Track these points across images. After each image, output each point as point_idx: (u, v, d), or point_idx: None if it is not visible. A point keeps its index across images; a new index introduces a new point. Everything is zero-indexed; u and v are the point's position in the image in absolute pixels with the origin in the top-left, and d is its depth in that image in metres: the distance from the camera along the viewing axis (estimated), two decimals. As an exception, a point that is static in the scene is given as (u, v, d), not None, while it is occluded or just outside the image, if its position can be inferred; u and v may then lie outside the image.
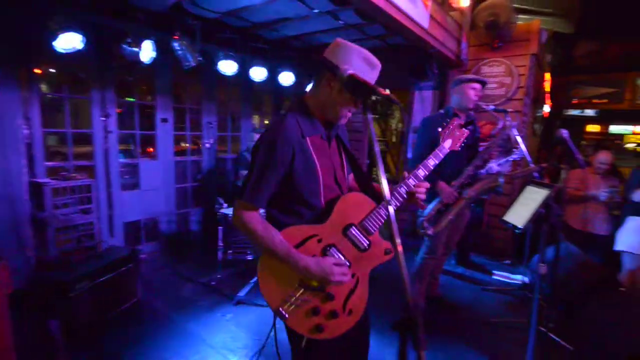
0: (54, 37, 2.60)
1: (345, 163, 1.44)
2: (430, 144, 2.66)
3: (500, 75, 4.29)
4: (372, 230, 1.32)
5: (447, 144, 1.48)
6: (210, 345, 2.52)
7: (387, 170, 6.63)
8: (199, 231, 4.74)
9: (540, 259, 1.97)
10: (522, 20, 4.35)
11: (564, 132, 2.29)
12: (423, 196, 1.39)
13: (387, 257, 1.36)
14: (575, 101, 8.02)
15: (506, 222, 1.89)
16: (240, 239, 3.46)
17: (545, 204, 1.68)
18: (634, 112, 7.78)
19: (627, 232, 3.14)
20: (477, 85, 2.69)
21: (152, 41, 3.06)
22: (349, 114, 1.32)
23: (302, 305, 1.25)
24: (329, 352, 1.36)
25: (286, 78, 4.48)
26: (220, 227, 3.45)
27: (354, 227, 1.31)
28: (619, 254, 3.19)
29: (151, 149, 4.32)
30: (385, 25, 3.13)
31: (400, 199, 1.37)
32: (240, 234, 3.45)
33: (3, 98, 2.80)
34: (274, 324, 1.42)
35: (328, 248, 1.27)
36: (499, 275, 3.89)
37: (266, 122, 5.82)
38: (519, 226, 1.73)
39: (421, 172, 1.40)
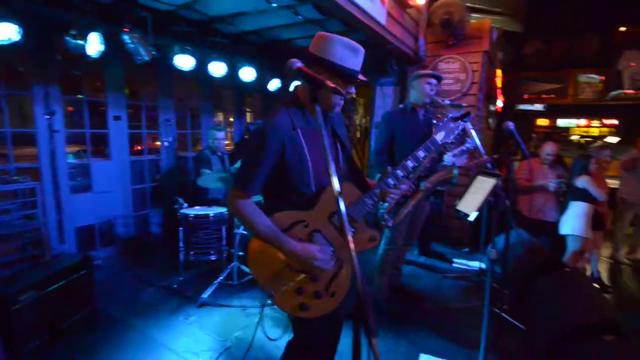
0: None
1: (340, 155, 1.49)
2: (390, 137, 2.75)
3: (455, 71, 4.47)
4: (357, 218, 1.41)
5: (440, 136, 1.53)
6: (172, 350, 2.44)
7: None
8: (159, 233, 4.56)
9: (491, 244, 2.08)
10: (474, 19, 4.55)
11: (510, 124, 2.42)
12: (394, 197, 1.47)
13: (372, 244, 1.47)
14: (526, 96, 8.54)
15: (459, 211, 1.98)
16: (202, 240, 3.36)
17: (494, 193, 1.79)
18: (577, 106, 8.43)
19: (570, 216, 3.39)
20: (433, 80, 2.79)
21: (99, 34, 2.87)
22: (341, 102, 1.38)
23: (289, 285, 1.34)
24: (321, 325, 1.45)
25: (247, 73, 4.40)
26: (180, 228, 3.34)
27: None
28: (564, 237, 3.45)
29: (104, 149, 4.09)
30: (343, 21, 3.15)
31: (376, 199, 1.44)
32: (201, 234, 3.35)
33: None
34: (262, 315, 1.46)
35: (314, 233, 1.36)
36: (459, 263, 4.08)
37: (230, 119, 5.69)
38: (470, 214, 1.82)
39: (410, 164, 1.48)
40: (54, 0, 2.85)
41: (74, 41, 2.80)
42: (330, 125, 1.46)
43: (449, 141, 1.56)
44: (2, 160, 3.22)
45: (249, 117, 6.00)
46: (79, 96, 3.71)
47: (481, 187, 1.89)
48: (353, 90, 1.40)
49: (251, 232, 1.32)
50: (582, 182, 3.33)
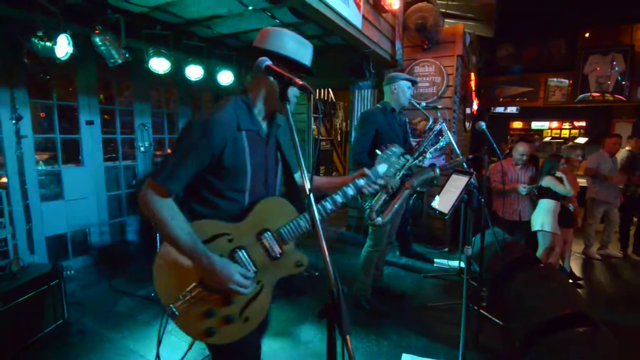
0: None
1: (277, 168, 1.38)
2: (373, 136, 2.75)
3: (431, 74, 4.57)
4: (287, 239, 1.27)
5: (381, 169, 1.46)
6: (148, 360, 2.36)
7: (334, 169, 6.74)
8: (136, 241, 4.42)
9: (466, 242, 2.12)
10: (448, 24, 4.68)
11: (482, 124, 2.49)
12: (369, 189, 1.41)
13: (299, 269, 1.32)
14: (501, 99, 8.81)
15: (434, 209, 2.01)
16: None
17: (467, 190, 1.83)
18: (548, 109, 8.77)
19: (538, 214, 3.52)
20: (410, 84, 2.85)
21: (67, 35, 2.78)
22: (294, 99, 1.26)
23: (196, 305, 1.18)
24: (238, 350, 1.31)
25: (225, 77, 4.36)
26: (158, 235, 3.25)
27: (269, 233, 1.26)
28: (536, 234, 3.56)
29: (77, 155, 3.95)
30: (320, 24, 3.17)
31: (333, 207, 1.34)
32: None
33: None
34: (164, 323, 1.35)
35: (237, 250, 1.21)
36: (439, 263, 4.14)
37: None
38: (445, 212, 1.85)
39: (339, 199, 1.35)
40: (17, 2, 2.75)
41: (41, 43, 2.70)
42: (275, 133, 1.35)
43: (389, 174, 1.49)
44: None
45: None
46: (49, 102, 3.57)
47: (455, 185, 1.93)
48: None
49: (164, 236, 1.14)
50: (546, 181, 3.47)
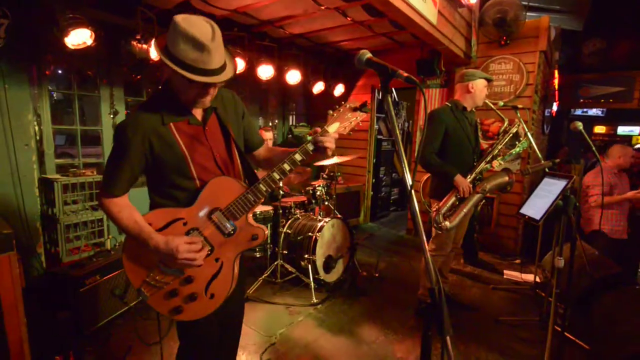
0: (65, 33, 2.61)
1: (234, 144, 1.40)
2: (443, 135, 2.63)
3: (508, 72, 4.26)
4: (238, 215, 1.30)
5: (332, 128, 1.35)
6: (219, 341, 2.50)
7: (394, 170, 6.59)
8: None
9: (557, 252, 1.93)
10: (529, 17, 4.31)
11: (579, 124, 2.24)
12: (331, 145, 1.32)
13: (255, 243, 1.34)
14: (582, 101, 7.95)
15: (523, 215, 1.86)
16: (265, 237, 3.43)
17: (563, 196, 1.66)
18: (642, 111, 7.71)
19: None
20: (486, 82, 2.68)
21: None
22: (211, 93, 1.24)
23: (163, 287, 1.27)
24: (202, 332, 1.39)
25: (293, 76, 4.47)
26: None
27: (220, 211, 1.30)
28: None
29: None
30: (395, 21, 3.11)
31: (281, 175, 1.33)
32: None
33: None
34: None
35: (192, 231, 1.27)
36: (510, 275, 3.84)
37: (273, 121, 5.81)
38: (537, 218, 1.70)
39: (276, 175, 1.33)
40: (120, 9, 3.09)
41: (138, 46, 3.00)
42: (216, 115, 1.37)
43: (344, 133, 1.37)
44: (71, 157, 3.50)
45: (291, 120, 6.10)
46: (140, 98, 3.96)
47: (548, 190, 1.77)
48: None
49: (118, 228, 1.24)
50: None
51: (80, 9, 2.63)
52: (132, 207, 1.27)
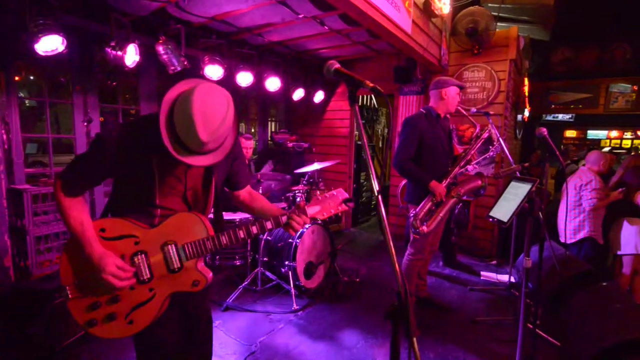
0: (35, 40, 2.54)
1: (214, 184, 1.40)
2: (418, 142, 2.68)
3: (481, 80, 4.42)
4: (190, 257, 1.30)
5: (312, 211, 1.39)
6: (198, 352, 2.46)
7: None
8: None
9: (525, 253, 2.01)
10: (500, 27, 4.50)
11: (543, 130, 2.35)
12: (297, 226, 1.36)
13: (194, 289, 1.32)
14: (553, 106, 8.32)
15: (492, 218, 1.93)
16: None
17: (529, 199, 1.74)
18: (609, 116, 8.13)
19: (631, 234, 3.19)
20: (458, 90, 2.77)
21: (135, 45, 3.02)
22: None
23: (86, 295, 1.24)
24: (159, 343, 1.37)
25: (272, 83, 4.49)
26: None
27: (174, 246, 1.29)
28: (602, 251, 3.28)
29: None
30: (370, 30, 3.19)
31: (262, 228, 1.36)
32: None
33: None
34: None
35: (139, 254, 1.26)
36: (486, 276, 3.95)
37: (253, 129, 5.81)
38: (504, 220, 1.77)
39: (224, 240, 1.34)
40: (93, 15, 3.04)
41: (112, 52, 2.95)
42: None
43: (319, 220, 1.43)
44: (43, 165, 3.39)
45: (272, 126, 6.11)
46: (115, 105, 3.89)
47: (515, 193, 1.85)
48: None
49: (64, 223, 1.23)
50: None
51: (51, 14, 2.58)
52: (84, 207, 1.25)
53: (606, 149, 9.76)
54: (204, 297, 1.55)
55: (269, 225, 1.36)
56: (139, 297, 1.27)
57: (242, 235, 1.34)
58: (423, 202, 2.67)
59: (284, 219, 1.36)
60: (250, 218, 3.40)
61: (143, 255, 1.26)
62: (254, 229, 1.34)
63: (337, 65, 1.06)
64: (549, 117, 9.83)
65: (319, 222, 3.48)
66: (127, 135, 1.23)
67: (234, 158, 1.49)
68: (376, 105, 6.92)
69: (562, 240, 3.46)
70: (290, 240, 3.19)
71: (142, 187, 1.27)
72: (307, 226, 3.27)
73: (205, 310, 1.60)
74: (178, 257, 1.29)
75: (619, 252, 3.28)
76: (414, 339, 0.86)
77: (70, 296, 1.24)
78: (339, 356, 2.47)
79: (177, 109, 1.15)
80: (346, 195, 1.41)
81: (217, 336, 2.64)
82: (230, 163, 1.48)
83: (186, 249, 1.29)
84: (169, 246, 1.28)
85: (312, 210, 1.39)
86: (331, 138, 5.65)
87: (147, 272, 1.27)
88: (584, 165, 3.52)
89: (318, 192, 1.37)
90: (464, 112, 2.98)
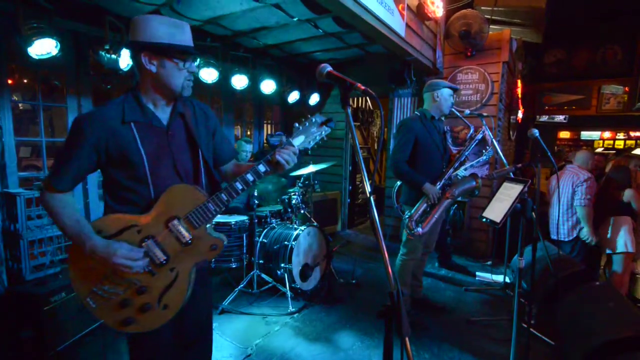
0: (29, 43, 2.53)
1: (201, 155, 1.37)
2: (413, 144, 2.71)
3: (475, 82, 4.46)
4: (197, 225, 1.26)
5: (298, 141, 1.35)
6: (193, 355, 2.45)
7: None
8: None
9: (518, 253, 2.03)
10: (493, 30, 4.55)
11: (535, 131, 2.38)
12: (287, 157, 1.31)
13: (213, 253, 1.32)
14: (546, 108, 8.40)
15: (485, 218, 1.95)
16: (224, 247, 3.39)
17: (521, 199, 1.76)
18: (601, 118, 8.23)
19: (621, 233, 3.23)
20: (452, 92, 2.80)
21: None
22: (189, 83, 1.30)
23: (112, 297, 1.21)
24: (155, 347, 1.32)
25: (267, 86, 4.50)
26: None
27: (177, 220, 1.26)
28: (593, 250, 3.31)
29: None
30: (364, 33, 3.21)
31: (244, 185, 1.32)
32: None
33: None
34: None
35: (147, 240, 1.22)
36: (481, 276, 3.97)
37: (249, 132, 5.81)
38: (497, 221, 1.79)
39: (239, 186, 1.31)
40: (88, 19, 3.04)
41: (107, 55, 2.95)
42: (183, 122, 1.34)
43: (309, 147, 1.38)
44: (37, 169, 3.37)
45: (268, 129, 6.11)
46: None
47: (507, 194, 1.87)
48: (194, 67, 1.32)
49: (57, 227, 1.19)
50: (627, 195, 3.18)
51: (45, 18, 2.57)
52: (75, 205, 1.23)
53: (599, 150, 9.87)
54: (205, 302, 1.55)
55: (261, 168, 1.32)
56: (164, 281, 1.25)
57: (241, 187, 1.30)
58: (418, 205, 2.69)
59: (274, 156, 1.31)
60: (246, 221, 3.40)
61: (150, 239, 1.22)
62: (249, 177, 1.31)
63: (329, 69, 1.08)
64: (544, 118, 9.93)
65: (316, 224, 3.49)
66: (99, 109, 1.23)
67: (214, 131, 1.48)
68: (371, 108, 6.95)
69: (553, 237, 3.49)
70: (286, 242, 3.19)
71: (129, 162, 1.21)
72: (303, 228, 3.27)
73: (206, 315, 1.60)
74: (185, 229, 1.25)
75: (608, 252, 3.32)
76: (407, 339, 0.87)
77: (94, 305, 1.21)
78: (336, 358, 2.48)
79: (139, 33, 1.18)
80: (324, 118, 1.38)
81: (213, 339, 2.62)
82: (211, 135, 1.47)
83: (190, 218, 1.26)
84: (173, 222, 1.24)
85: (297, 141, 1.35)
86: (326, 140, 5.65)
87: (161, 254, 1.23)
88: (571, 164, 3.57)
89: (296, 124, 1.35)
90: (458, 114, 3.01)
